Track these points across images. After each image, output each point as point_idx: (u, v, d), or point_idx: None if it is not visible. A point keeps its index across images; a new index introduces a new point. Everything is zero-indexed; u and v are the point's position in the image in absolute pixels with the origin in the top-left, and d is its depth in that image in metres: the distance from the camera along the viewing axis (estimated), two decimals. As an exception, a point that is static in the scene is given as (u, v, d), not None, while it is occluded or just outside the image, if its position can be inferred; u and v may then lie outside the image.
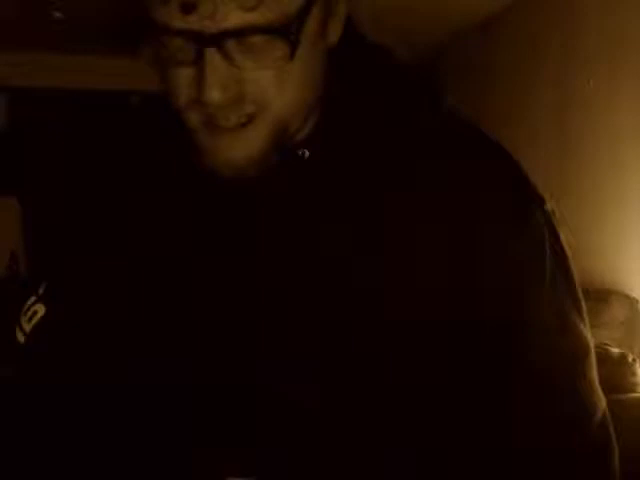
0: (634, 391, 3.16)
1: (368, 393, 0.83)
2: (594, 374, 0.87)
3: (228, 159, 0.79)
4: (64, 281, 0.90)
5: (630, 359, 3.23)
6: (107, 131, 0.97)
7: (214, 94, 0.76)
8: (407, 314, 0.82)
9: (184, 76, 0.78)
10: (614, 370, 3.04)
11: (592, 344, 0.87)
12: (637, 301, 3.63)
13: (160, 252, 0.87)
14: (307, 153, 0.85)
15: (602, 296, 3.51)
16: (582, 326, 0.86)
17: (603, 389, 0.89)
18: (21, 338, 0.88)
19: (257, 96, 0.78)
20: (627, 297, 3.64)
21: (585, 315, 0.88)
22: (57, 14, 5.31)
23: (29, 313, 0.88)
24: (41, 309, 0.88)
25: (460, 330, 0.82)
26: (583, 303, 0.88)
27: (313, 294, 0.83)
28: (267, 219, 0.85)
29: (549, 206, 0.87)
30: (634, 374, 3.22)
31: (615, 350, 3.20)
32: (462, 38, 5.37)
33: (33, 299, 0.89)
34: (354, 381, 0.82)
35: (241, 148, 0.79)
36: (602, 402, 0.88)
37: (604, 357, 3.00)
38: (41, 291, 0.89)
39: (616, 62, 3.91)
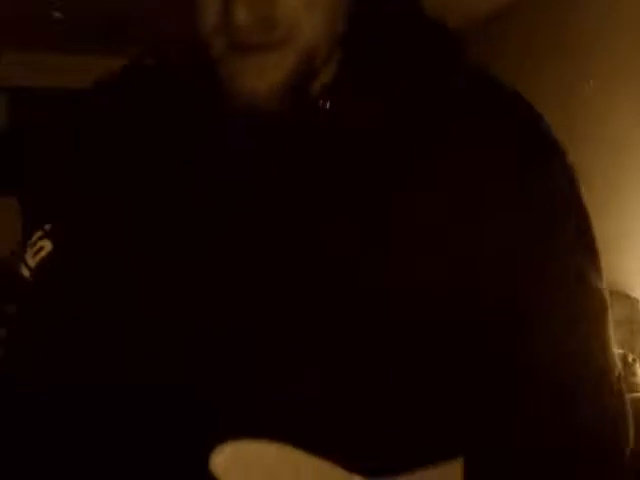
0: (634, 391, 3.16)
1: (368, 383, 0.81)
2: (610, 332, 0.86)
3: (254, 87, 0.78)
4: (69, 219, 0.88)
5: (630, 359, 3.23)
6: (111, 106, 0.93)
7: (242, 15, 0.75)
8: (409, 291, 0.80)
9: (213, 2, 0.78)
10: (614, 370, 3.04)
11: (608, 299, 0.86)
12: (637, 301, 3.64)
13: (164, 197, 0.85)
14: (327, 104, 0.84)
15: (602, 296, 3.51)
16: (599, 283, 0.85)
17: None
18: (25, 272, 0.87)
19: (287, 18, 0.77)
20: (627, 297, 3.65)
21: (601, 267, 0.86)
22: (57, 14, 5.32)
23: (35, 248, 0.87)
24: (47, 245, 0.86)
25: (466, 311, 0.81)
26: (599, 254, 0.86)
27: (314, 255, 0.81)
28: (277, 168, 0.83)
29: (569, 159, 0.87)
30: (634, 374, 3.23)
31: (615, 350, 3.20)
32: (462, 38, 5.37)
33: (39, 234, 0.87)
34: (354, 369, 0.80)
35: (268, 75, 0.78)
36: (616, 367, 0.87)
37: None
38: (47, 227, 0.87)
39: (616, 62, 3.91)
